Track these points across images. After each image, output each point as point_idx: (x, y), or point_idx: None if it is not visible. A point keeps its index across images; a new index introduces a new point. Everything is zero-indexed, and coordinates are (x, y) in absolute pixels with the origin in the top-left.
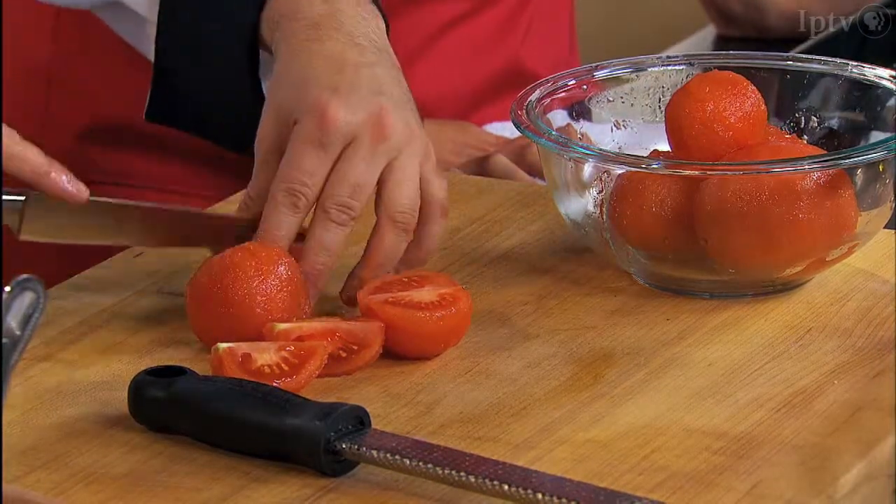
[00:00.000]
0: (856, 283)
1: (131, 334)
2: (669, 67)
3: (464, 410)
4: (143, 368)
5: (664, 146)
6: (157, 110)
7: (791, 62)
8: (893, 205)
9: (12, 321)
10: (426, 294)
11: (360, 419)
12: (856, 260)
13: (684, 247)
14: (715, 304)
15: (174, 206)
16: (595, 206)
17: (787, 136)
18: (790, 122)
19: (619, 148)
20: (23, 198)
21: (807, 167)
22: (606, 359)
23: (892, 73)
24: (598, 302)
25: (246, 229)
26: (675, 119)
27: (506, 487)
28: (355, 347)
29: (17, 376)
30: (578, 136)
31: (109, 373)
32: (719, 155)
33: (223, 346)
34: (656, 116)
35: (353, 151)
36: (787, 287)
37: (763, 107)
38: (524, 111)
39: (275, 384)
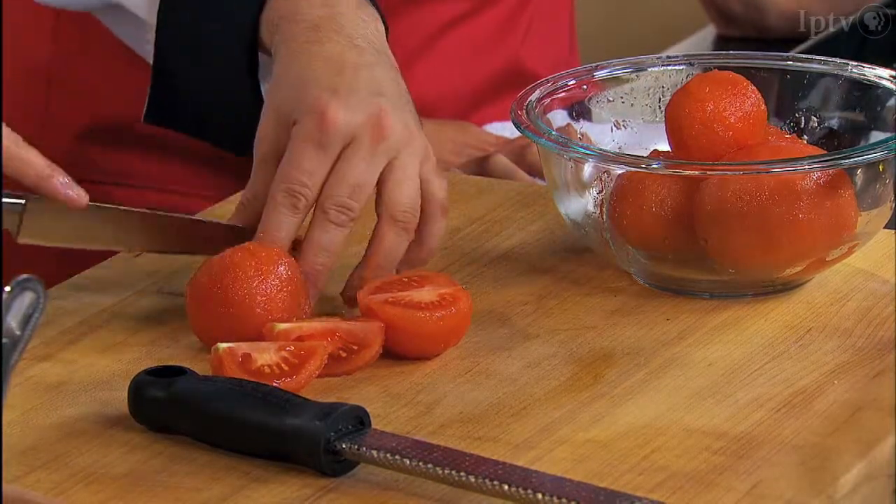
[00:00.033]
0: (856, 283)
1: (131, 334)
2: (669, 67)
3: (464, 410)
4: (143, 368)
5: (664, 146)
6: (155, 112)
7: (791, 62)
8: (893, 205)
9: (12, 321)
10: (426, 294)
11: (360, 419)
12: (856, 260)
13: (684, 247)
14: (715, 304)
15: (174, 213)
16: (595, 206)
17: (787, 136)
18: (790, 122)
19: (619, 148)
20: (23, 201)
21: (807, 167)
22: (606, 359)
23: (892, 73)
24: (598, 302)
25: (247, 237)
26: (675, 119)
27: (506, 487)
28: (355, 347)
29: (17, 376)
30: (578, 136)
31: (109, 373)
32: (719, 155)
33: (223, 346)
34: (656, 116)
35: (352, 152)
36: (787, 287)
37: (763, 107)
38: (524, 111)
39: (275, 384)
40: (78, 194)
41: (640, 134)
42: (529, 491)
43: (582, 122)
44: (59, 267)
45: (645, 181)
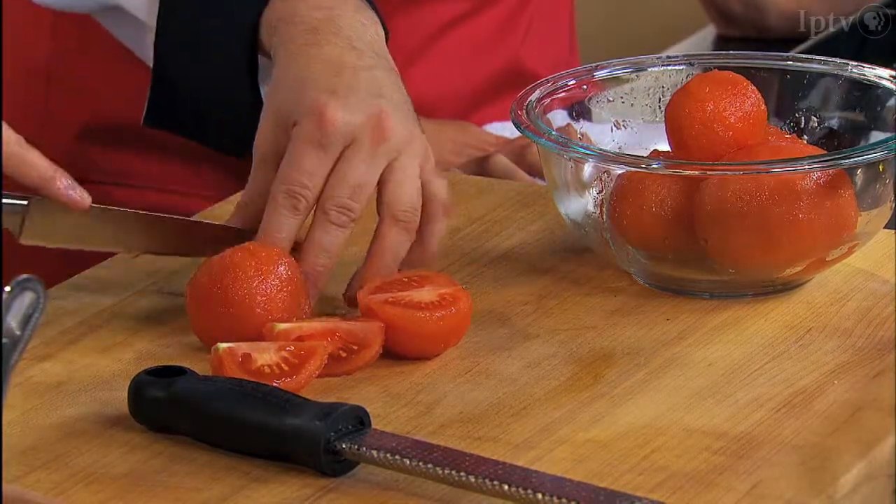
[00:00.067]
0: (856, 283)
1: (131, 334)
2: (669, 67)
3: (464, 410)
4: (143, 368)
5: (664, 146)
6: (155, 115)
7: (791, 62)
8: (893, 205)
9: (12, 321)
10: (426, 294)
11: (360, 419)
12: (856, 260)
13: (684, 247)
14: (715, 304)
15: (175, 216)
16: (595, 206)
17: (787, 136)
18: (790, 122)
19: (619, 148)
20: (25, 202)
21: (807, 167)
22: (606, 359)
23: (892, 73)
24: (598, 302)
25: (246, 237)
26: (675, 119)
27: (506, 487)
28: (355, 347)
29: (17, 376)
30: (578, 136)
31: (109, 373)
32: (719, 155)
33: (223, 346)
34: (656, 116)
35: (352, 153)
36: (787, 287)
37: (763, 107)
38: (524, 111)
39: (275, 384)
40: (81, 196)
41: (640, 134)
42: (529, 491)
43: (582, 122)
44: (59, 267)
45: (645, 181)
